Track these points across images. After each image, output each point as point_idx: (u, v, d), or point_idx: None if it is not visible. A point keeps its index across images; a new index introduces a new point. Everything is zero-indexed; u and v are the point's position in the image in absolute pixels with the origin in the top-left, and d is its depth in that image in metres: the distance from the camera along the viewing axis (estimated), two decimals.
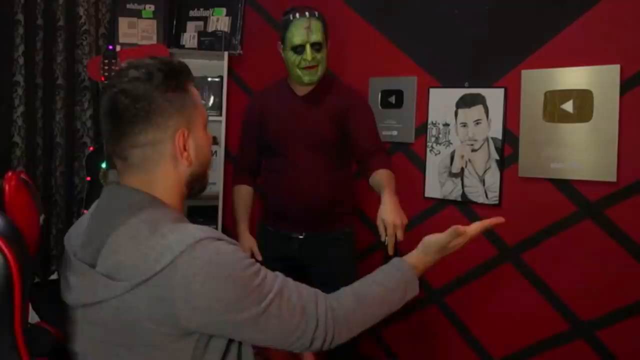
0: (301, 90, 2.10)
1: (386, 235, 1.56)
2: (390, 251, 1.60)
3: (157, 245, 0.88)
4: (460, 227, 1.19)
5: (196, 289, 0.86)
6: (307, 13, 2.01)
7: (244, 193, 2.18)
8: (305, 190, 2.04)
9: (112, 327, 0.90)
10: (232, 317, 0.89)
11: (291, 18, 2.02)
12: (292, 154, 2.06)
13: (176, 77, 0.98)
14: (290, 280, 1.00)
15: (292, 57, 2.02)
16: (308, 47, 1.99)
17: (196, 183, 1.04)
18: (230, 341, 0.97)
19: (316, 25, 2.00)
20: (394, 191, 1.78)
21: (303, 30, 1.99)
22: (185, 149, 0.99)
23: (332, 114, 2.05)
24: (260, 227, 2.22)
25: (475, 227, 1.22)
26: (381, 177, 1.88)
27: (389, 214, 1.59)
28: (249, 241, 2.08)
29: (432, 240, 1.23)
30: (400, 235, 1.56)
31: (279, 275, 0.99)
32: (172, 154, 0.98)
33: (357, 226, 2.25)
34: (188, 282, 0.86)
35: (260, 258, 2.01)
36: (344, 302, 1.03)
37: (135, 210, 0.94)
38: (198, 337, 0.91)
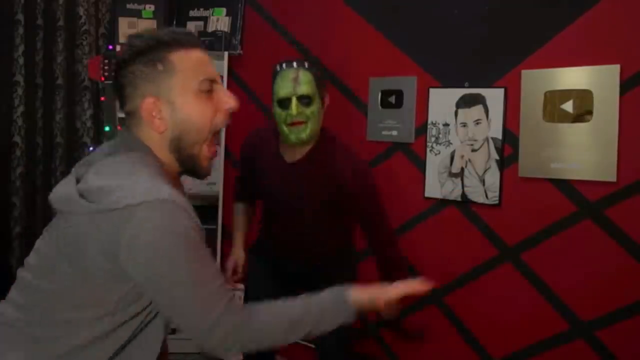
0: (290, 155, 1.86)
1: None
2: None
3: (126, 186, 0.92)
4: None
5: (139, 244, 0.90)
6: (294, 64, 1.82)
7: (245, 207, 2.14)
8: (302, 247, 1.94)
9: (67, 240, 0.97)
10: (157, 284, 0.93)
11: (278, 69, 1.85)
12: (284, 215, 1.95)
13: (150, 51, 1.01)
14: (223, 281, 1.01)
15: (277, 112, 1.81)
16: (294, 100, 1.77)
17: (183, 151, 1.04)
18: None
19: (305, 76, 1.79)
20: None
21: (289, 82, 1.78)
22: (153, 116, 1.01)
23: (330, 192, 1.84)
24: (253, 256, 2.09)
25: (397, 292, 1.15)
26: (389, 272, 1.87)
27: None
28: (238, 255, 2.02)
29: (387, 294, 1.15)
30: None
31: (219, 277, 1.00)
32: (146, 121, 1.03)
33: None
34: (136, 234, 0.90)
35: (239, 276, 1.99)
36: (258, 316, 1.02)
37: (126, 150, 1.02)
38: (133, 285, 0.96)
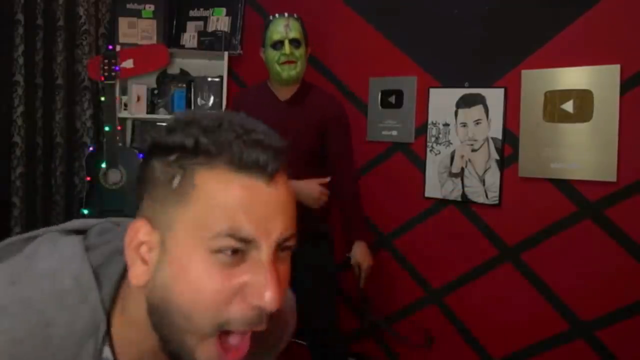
0: (283, 94, 2.14)
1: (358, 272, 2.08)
2: (362, 285, 2.11)
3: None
4: None
5: None
6: (285, 14, 2.14)
7: None
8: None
9: None
10: None
11: (271, 18, 2.16)
12: None
13: (174, 150, 0.59)
14: None
15: (271, 53, 2.10)
16: (287, 42, 2.08)
17: (165, 333, 0.58)
18: None
19: (294, 24, 2.12)
20: (363, 234, 2.13)
21: (282, 28, 2.10)
22: (137, 252, 0.59)
23: (315, 123, 2.09)
24: None
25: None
26: (349, 216, 2.13)
27: (359, 257, 2.09)
28: None
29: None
30: (364, 275, 2.08)
31: None
32: (127, 252, 0.60)
33: (337, 239, 2.24)
34: None
35: None
36: None
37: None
38: None
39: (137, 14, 2.93)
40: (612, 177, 1.94)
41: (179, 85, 2.96)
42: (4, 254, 0.64)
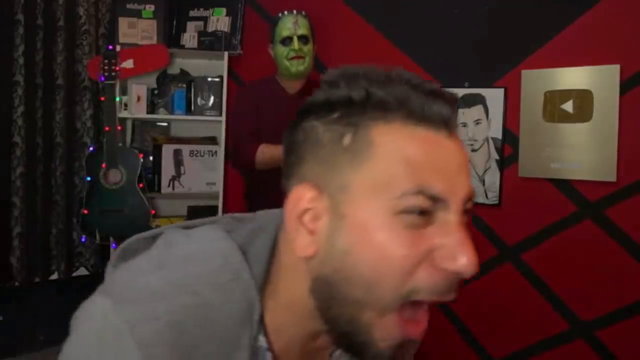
0: (291, 88, 2.23)
1: None
2: None
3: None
4: None
5: None
6: (294, 11, 2.22)
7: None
8: None
9: None
10: None
11: (280, 15, 2.24)
12: None
13: (343, 106, 0.55)
14: None
15: (280, 49, 2.18)
16: (295, 38, 2.16)
17: (333, 309, 0.54)
18: None
19: (303, 21, 2.19)
20: None
21: (291, 25, 2.18)
22: (301, 222, 0.55)
23: None
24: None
25: None
26: None
27: None
28: None
29: None
30: None
31: None
32: (286, 223, 0.57)
33: None
34: None
35: None
36: None
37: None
38: None
39: (137, 14, 2.93)
40: (612, 177, 1.94)
41: (179, 85, 2.96)
42: (130, 253, 0.61)
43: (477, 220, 2.26)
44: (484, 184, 2.23)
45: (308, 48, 2.18)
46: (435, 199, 0.50)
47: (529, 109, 2.11)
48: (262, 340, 0.56)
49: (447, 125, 0.52)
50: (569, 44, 2.04)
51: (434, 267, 0.51)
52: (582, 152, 2.00)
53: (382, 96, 0.51)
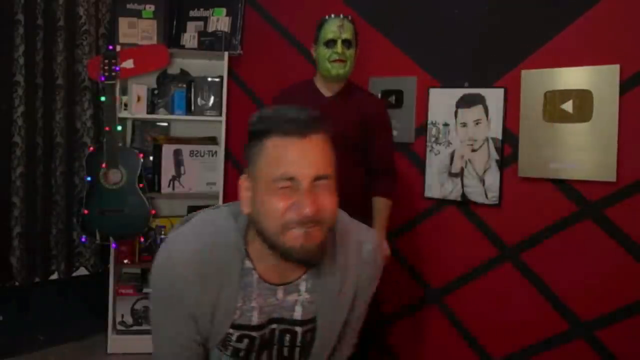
0: (328, 91, 2.22)
1: None
2: None
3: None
4: None
5: None
6: (341, 15, 2.21)
7: None
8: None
9: None
10: None
11: (327, 18, 2.22)
12: None
13: (255, 127, 0.98)
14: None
15: (323, 51, 2.17)
16: (339, 41, 2.15)
17: (264, 237, 0.97)
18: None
19: (348, 25, 2.18)
20: (384, 224, 2.13)
21: (336, 28, 2.17)
22: (243, 194, 1.00)
23: (357, 118, 2.16)
24: None
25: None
26: (378, 207, 2.14)
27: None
28: None
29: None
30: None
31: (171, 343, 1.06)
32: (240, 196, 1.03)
33: None
34: None
35: None
36: None
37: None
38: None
39: (137, 14, 2.93)
40: (611, 177, 1.94)
41: (179, 85, 2.96)
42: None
43: (477, 220, 2.27)
44: (484, 184, 2.24)
45: (350, 52, 2.17)
46: (291, 178, 0.92)
47: (529, 109, 2.12)
48: (247, 263, 1.02)
49: (303, 135, 0.94)
50: (569, 44, 2.04)
51: (295, 211, 0.92)
52: (582, 152, 2.00)
53: (269, 126, 0.95)
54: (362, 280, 1.09)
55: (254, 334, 1.05)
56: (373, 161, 2.17)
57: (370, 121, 2.18)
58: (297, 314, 1.05)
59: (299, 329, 1.06)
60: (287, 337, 1.07)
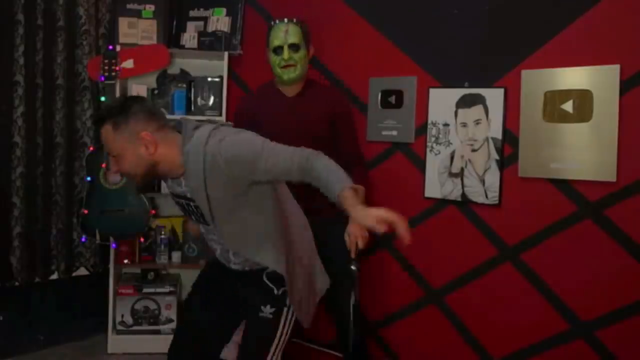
0: (289, 91, 2.33)
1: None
2: (353, 255, 2.00)
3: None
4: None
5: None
6: (285, 19, 2.30)
7: None
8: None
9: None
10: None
11: (272, 24, 2.33)
12: None
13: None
14: None
15: (272, 57, 2.29)
16: (285, 47, 2.25)
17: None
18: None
19: (294, 29, 2.27)
20: (355, 203, 2.18)
21: (281, 34, 2.26)
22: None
23: (322, 113, 2.28)
24: None
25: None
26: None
27: (352, 229, 2.01)
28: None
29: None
30: (360, 244, 1.99)
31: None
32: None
33: None
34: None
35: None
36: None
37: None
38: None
39: (137, 14, 2.93)
40: (612, 177, 1.94)
41: (179, 85, 2.96)
42: (192, 126, 1.65)
43: (477, 220, 2.27)
44: (484, 184, 2.24)
45: (299, 55, 2.26)
46: (109, 154, 1.65)
47: (529, 109, 2.12)
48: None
49: (100, 127, 1.60)
50: (569, 44, 2.04)
51: (117, 166, 1.65)
52: (582, 152, 2.00)
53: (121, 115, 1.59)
54: (209, 169, 1.55)
55: (177, 200, 1.74)
56: (342, 153, 2.21)
57: (334, 115, 2.29)
58: (187, 194, 1.65)
59: (191, 202, 1.65)
60: (192, 205, 1.66)
